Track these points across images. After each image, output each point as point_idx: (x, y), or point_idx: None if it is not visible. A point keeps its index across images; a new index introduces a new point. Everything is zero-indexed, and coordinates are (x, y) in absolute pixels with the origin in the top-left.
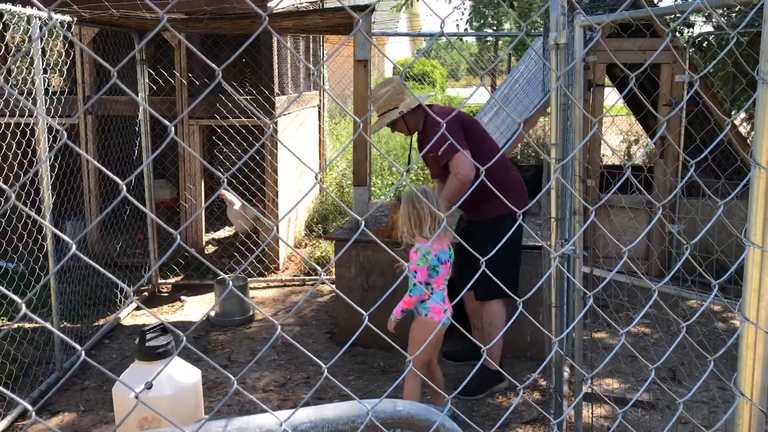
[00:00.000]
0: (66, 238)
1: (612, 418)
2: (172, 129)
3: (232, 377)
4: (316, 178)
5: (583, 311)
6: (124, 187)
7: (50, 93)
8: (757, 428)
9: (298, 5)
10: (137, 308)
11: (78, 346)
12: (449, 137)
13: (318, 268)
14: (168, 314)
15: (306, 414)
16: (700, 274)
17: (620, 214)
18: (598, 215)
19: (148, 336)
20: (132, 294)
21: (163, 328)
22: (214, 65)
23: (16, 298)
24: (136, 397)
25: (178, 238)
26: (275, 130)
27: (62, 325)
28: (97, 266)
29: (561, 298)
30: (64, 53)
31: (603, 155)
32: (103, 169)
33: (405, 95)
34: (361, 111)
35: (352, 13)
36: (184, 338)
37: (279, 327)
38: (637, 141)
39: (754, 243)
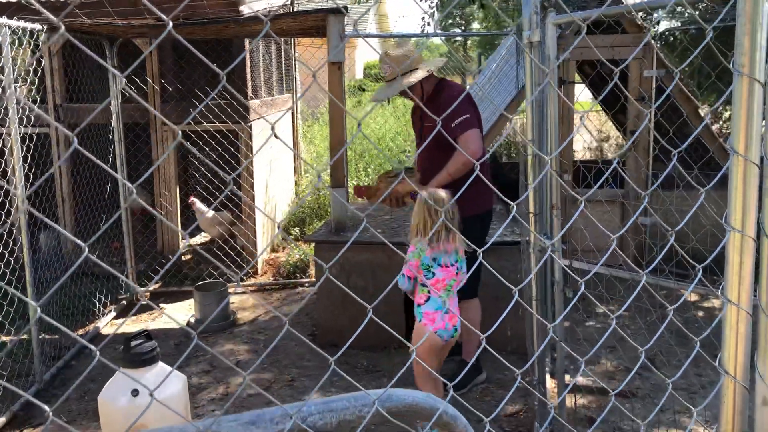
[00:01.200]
0: (78, 241)
1: (593, 407)
2: (180, 133)
3: (243, 373)
4: (319, 177)
5: (574, 299)
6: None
7: (20, 102)
8: (741, 404)
9: (270, 9)
10: (116, 317)
11: (93, 347)
12: (466, 111)
13: (323, 263)
14: (148, 322)
15: (315, 406)
16: (674, 264)
17: (595, 208)
18: (574, 210)
19: (133, 343)
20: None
21: (147, 335)
22: (219, 70)
23: None
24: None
25: (187, 238)
26: (250, 135)
27: (41, 336)
28: (113, 271)
29: (542, 291)
30: (35, 62)
31: (575, 151)
32: (113, 172)
33: (423, 59)
34: (337, 113)
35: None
36: (195, 336)
37: (286, 322)
38: (608, 138)
39: (734, 228)
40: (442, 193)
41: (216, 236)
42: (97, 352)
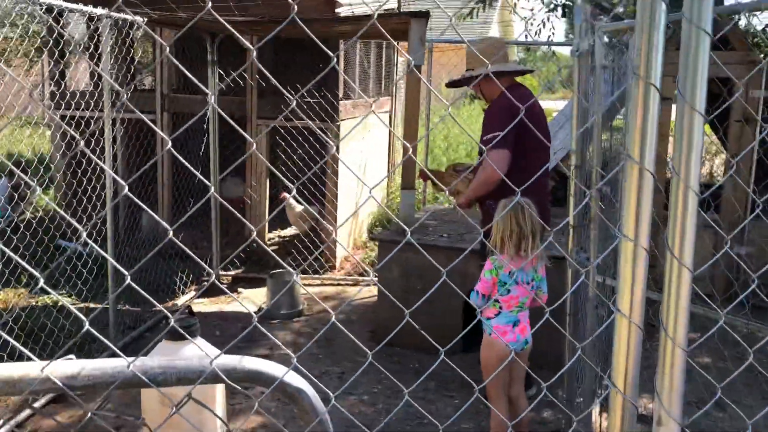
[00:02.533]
0: (163, 223)
1: None
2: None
3: (293, 357)
4: (370, 192)
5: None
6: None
7: (138, 90)
8: (629, 422)
9: (369, 12)
10: (202, 295)
11: (168, 313)
12: (499, 128)
13: (368, 269)
14: (224, 304)
15: (157, 362)
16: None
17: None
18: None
19: (176, 317)
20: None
21: (190, 312)
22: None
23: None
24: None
25: (254, 233)
26: (337, 134)
27: (124, 308)
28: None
29: (575, 307)
30: (150, 53)
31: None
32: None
33: (490, 56)
34: (413, 116)
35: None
36: (256, 319)
37: (333, 316)
38: (714, 155)
39: (627, 236)
40: (529, 201)
41: (302, 230)
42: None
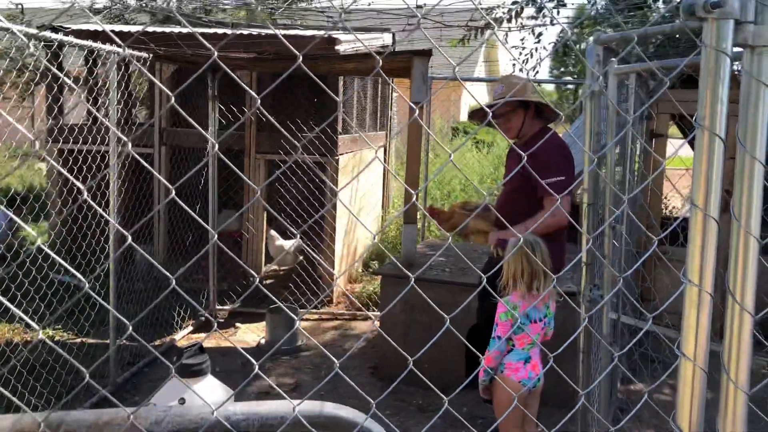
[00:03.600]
0: (165, 271)
1: None
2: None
3: (293, 403)
4: (373, 239)
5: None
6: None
7: (135, 124)
8: None
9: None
10: (192, 332)
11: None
12: (564, 172)
13: (370, 315)
14: (223, 339)
15: (239, 407)
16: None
17: (677, 267)
18: (656, 267)
19: (185, 355)
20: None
21: (200, 348)
22: (336, 98)
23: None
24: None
25: (257, 280)
26: (336, 168)
27: (122, 343)
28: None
29: (588, 344)
30: (146, 88)
31: (671, 207)
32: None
33: (525, 93)
34: (415, 150)
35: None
36: (257, 366)
37: (337, 365)
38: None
39: (691, 281)
40: (538, 239)
41: (281, 264)
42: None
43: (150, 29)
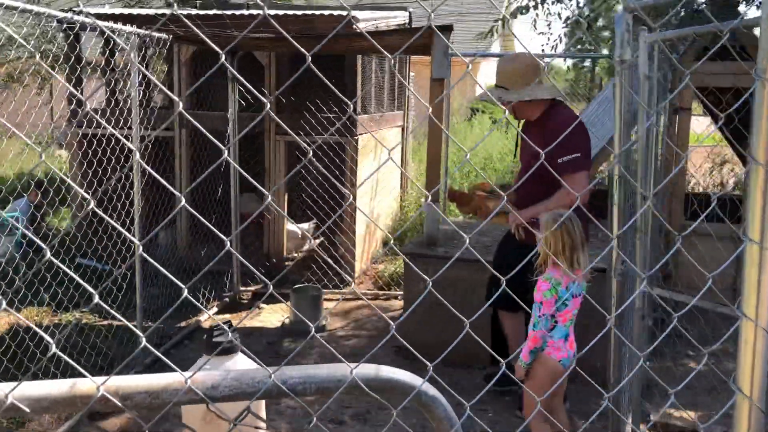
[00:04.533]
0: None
1: None
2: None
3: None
4: (391, 242)
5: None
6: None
7: (153, 107)
8: (756, 428)
9: (383, 26)
10: (217, 313)
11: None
12: (579, 148)
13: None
14: (248, 320)
15: (296, 371)
16: None
17: (703, 242)
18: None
19: (214, 333)
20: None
21: (229, 326)
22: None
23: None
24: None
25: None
26: (356, 149)
27: (146, 324)
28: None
29: (620, 319)
30: (166, 70)
31: (692, 183)
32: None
33: (529, 78)
34: (437, 129)
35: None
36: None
37: (392, 327)
38: (731, 170)
39: (752, 239)
40: (572, 213)
41: (289, 250)
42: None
43: (170, 11)
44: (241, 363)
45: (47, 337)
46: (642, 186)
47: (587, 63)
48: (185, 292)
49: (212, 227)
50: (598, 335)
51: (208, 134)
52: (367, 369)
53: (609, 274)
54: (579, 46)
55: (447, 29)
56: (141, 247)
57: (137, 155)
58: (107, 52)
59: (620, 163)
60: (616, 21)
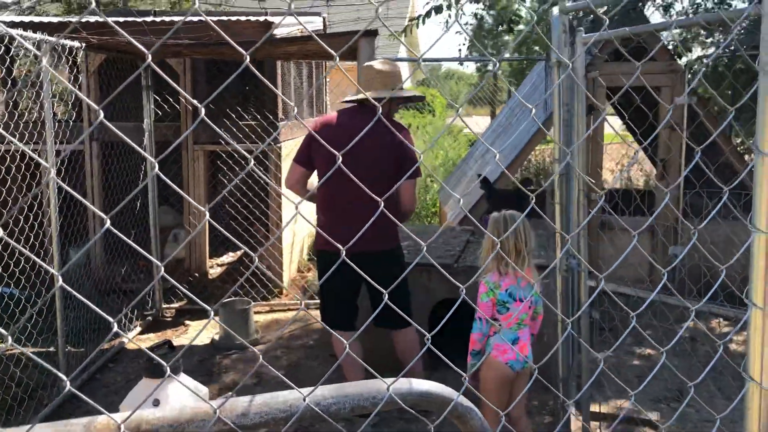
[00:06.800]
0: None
1: None
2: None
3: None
4: (296, 208)
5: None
6: (108, 221)
7: (59, 120)
8: (767, 412)
9: (302, 32)
10: (141, 332)
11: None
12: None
13: (299, 296)
14: (174, 337)
15: (328, 390)
16: (704, 289)
17: (622, 236)
18: (603, 235)
19: (155, 354)
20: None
21: (170, 346)
22: (271, 85)
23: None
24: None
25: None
26: (279, 156)
27: (67, 349)
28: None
29: (566, 313)
30: (72, 79)
31: (604, 179)
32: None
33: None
34: None
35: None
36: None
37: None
38: (637, 165)
39: (759, 229)
40: (515, 214)
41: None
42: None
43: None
44: (185, 383)
45: None
46: (583, 184)
47: (489, 66)
48: (114, 327)
49: (136, 245)
50: (546, 332)
51: (138, 147)
52: (401, 384)
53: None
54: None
55: (372, 34)
56: (61, 278)
57: (53, 172)
58: (7, 61)
59: (561, 162)
60: (552, 23)
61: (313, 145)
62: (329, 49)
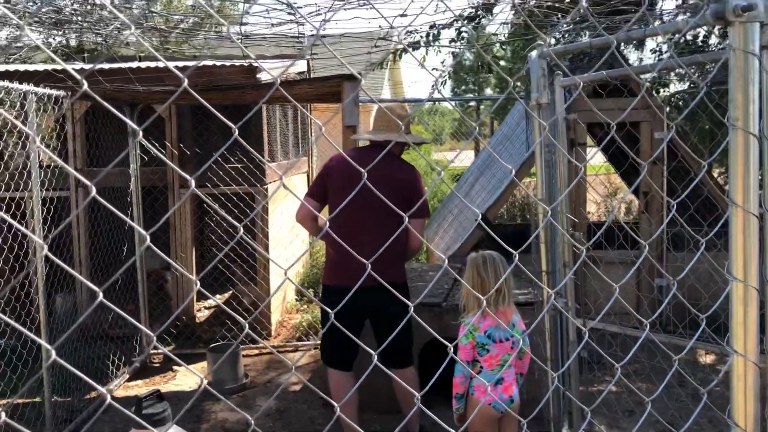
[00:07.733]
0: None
1: None
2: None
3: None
4: (285, 274)
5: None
6: (101, 294)
7: (43, 167)
8: None
9: (287, 76)
10: (129, 379)
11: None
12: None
13: (288, 362)
14: (160, 384)
15: None
16: (688, 323)
17: (609, 269)
18: (587, 269)
19: (145, 404)
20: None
21: (159, 396)
22: (232, 124)
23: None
24: None
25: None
26: (266, 197)
27: (53, 399)
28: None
29: (556, 351)
30: (58, 127)
31: (588, 212)
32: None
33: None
34: None
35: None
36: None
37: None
38: (615, 193)
39: (736, 278)
40: (494, 254)
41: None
42: (108, 395)
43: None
44: None
45: None
46: (568, 220)
47: (473, 103)
48: (108, 399)
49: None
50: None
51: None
52: None
53: (537, 308)
54: (464, 87)
55: (355, 78)
56: (53, 352)
57: (40, 221)
58: None
59: (546, 201)
60: (531, 66)
61: (328, 179)
62: (317, 121)
